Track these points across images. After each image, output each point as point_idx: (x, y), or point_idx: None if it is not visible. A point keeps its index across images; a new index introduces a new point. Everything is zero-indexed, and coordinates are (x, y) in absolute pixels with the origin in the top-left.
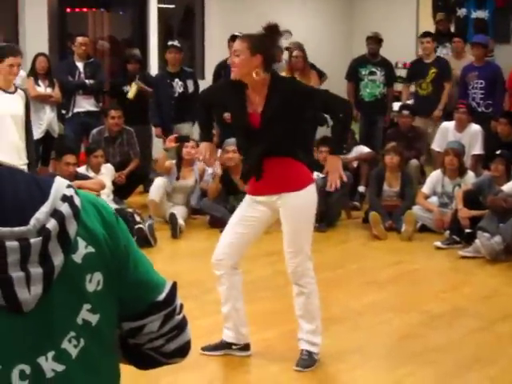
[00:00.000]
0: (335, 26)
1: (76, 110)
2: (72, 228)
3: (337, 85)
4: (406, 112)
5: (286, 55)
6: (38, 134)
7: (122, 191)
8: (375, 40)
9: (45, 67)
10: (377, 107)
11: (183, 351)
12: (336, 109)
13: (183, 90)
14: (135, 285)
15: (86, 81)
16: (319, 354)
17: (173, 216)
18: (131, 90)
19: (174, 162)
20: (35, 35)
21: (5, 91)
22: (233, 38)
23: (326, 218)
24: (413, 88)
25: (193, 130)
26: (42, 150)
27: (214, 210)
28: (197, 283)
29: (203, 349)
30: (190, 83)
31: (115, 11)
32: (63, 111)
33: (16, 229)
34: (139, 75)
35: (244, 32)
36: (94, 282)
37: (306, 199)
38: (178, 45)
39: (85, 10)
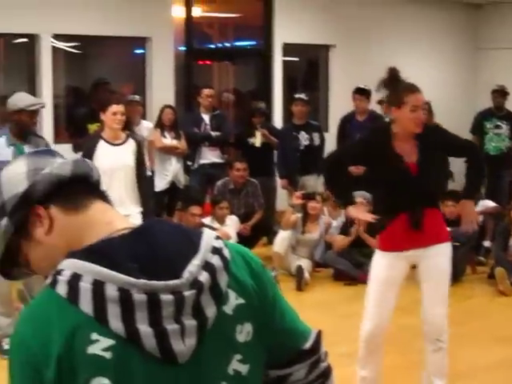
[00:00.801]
0: (459, 78)
1: (201, 162)
2: (223, 280)
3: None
4: None
5: None
6: (163, 184)
7: (246, 243)
8: (501, 93)
9: (171, 119)
10: (502, 161)
11: None
12: (474, 155)
13: (309, 143)
14: (282, 333)
15: (212, 133)
16: None
17: (300, 269)
18: (257, 139)
19: (299, 215)
20: (162, 87)
21: (111, 144)
22: (358, 91)
23: (451, 273)
24: None
25: (318, 182)
26: (168, 200)
27: (338, 263)
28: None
29: None
30: (315, 136)
31: (240, 63)
32: (189, 162)
33: (170, 282)
34: (262, 124)
35: (368, 84)
36: (244, 333)
37: (449, 250)
38: (305, 98)
39: (208, 62)
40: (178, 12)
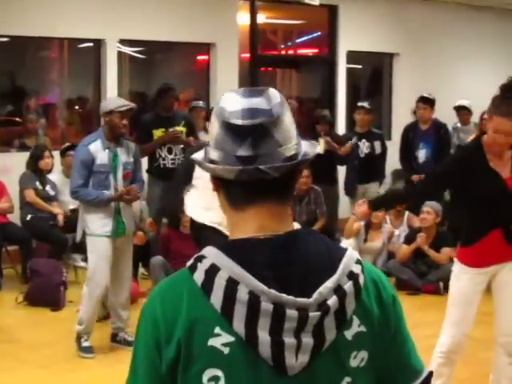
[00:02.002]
0: None
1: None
2: (350, 307)
3: None
4: None
5: (475, 118)
6: None
7: None
8: None
9: None
10: None
11: None
12: None
13: (370, 151)
14: (395, 366)
15: None
16: None
17: None
18: (320, 146)
19: (362, 223)
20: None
21: None
22: (421, 100)
23: None
24: None
25: (380, 190)
26: None
27: (401, 272)
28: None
29: None
30: (377, 144)
31: (303, 71)
32: None
33: (299, 300)
34: (325, 132)
35: (432, 93)
36: (358, 359)
37: None
38: (368, 106)
39: (270, 68)
40: (243, 18)
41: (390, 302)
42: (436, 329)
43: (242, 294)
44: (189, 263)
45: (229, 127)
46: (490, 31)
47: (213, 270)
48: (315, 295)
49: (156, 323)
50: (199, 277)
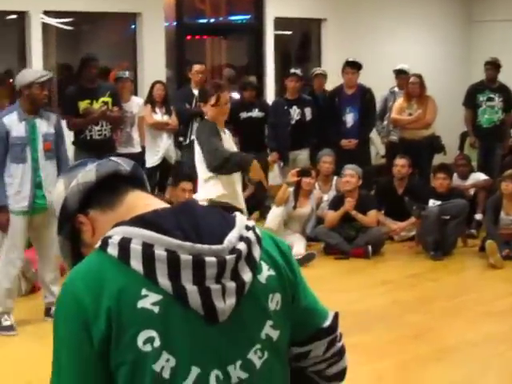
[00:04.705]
0: (453, 51)
1: (193, 137)
2: (257, 251)
3: (455, 111)
4: None
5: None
6: (154, 160)
7: None
8: (493, 65)
9: (161, 95)
10: (495, 134)
11: (341, 376)
12: None
13: (300, 118)
14: (305, 311)
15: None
16: None
17: (311, 256)
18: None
19: (291, 190)
20: (153, 63)
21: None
22: (348, 64)
23: (442, 246)
24: None
25: (308, 157)
26: (159, 176)
27: (329, 237)
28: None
29: None
30: (307, 111)
31: (232, 38)
32: (180, 138)
33: (214, 246)
34: (253, 98)
35: (359, 58)
36: (274, 302)
37: None
38: (300, 74)
39: (198, 37)
40: None
41: (288, 252)
42: (364, 292)
43: (159, 252)
44: (97, 245)
45: (69, 171)
46: None
47: (125, 241)
48: (225, 242)
49: (81, 303)
50: (114, 250)
